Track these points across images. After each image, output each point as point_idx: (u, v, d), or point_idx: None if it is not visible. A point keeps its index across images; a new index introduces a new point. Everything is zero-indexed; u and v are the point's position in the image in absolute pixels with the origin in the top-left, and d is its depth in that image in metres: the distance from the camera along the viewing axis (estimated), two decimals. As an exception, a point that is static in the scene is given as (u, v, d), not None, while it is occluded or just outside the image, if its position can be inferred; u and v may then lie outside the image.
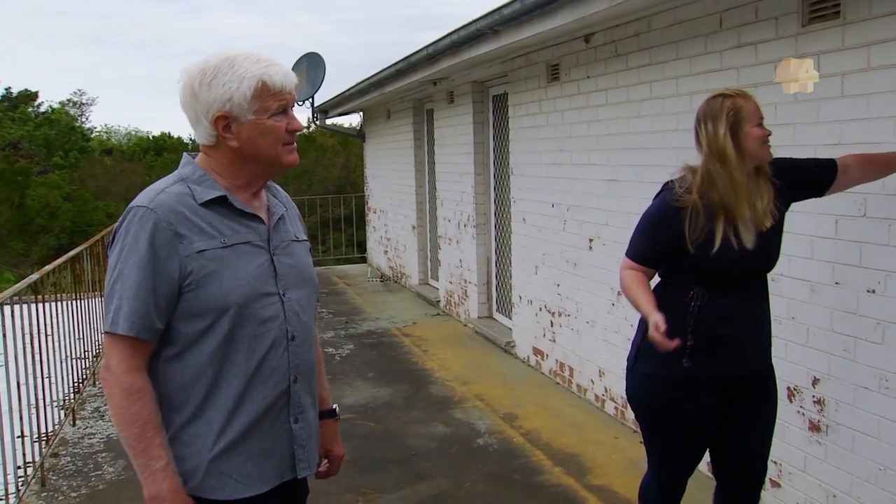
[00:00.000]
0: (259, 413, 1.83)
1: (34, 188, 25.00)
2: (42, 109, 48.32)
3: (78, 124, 47.81)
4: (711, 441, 2.88)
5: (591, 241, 5.44)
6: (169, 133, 44.58)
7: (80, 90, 61.58)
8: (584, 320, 5.63)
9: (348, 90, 10.38)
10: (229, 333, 1.78)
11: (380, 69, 8.87)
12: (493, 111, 7.64)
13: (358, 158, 25.55)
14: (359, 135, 13.47)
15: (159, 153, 37.72)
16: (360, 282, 11.35)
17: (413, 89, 9.14)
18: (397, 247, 11.08)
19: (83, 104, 53.45)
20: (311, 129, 28.90)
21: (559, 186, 5.86)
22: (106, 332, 1.76)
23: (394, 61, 8.27)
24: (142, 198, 1.78)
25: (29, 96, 50.27)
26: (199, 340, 1.77)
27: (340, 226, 16.53)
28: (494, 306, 7.90)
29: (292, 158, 1.87)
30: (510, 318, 7.30)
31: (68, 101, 51.66)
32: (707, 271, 2.69)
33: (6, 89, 49.16)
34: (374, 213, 12.64)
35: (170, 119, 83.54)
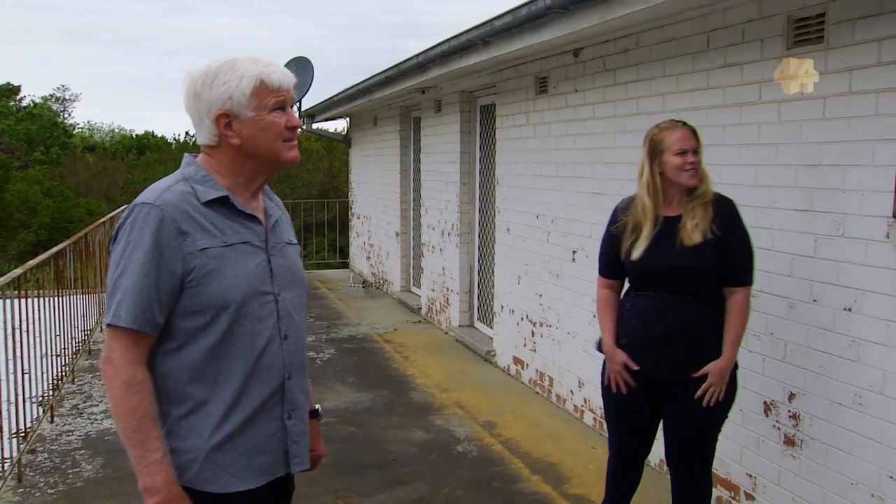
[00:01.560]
0: (256, 408, 1.86)
1: (14, 183, 24.76)
2: (24, 104, 47.95)
3: (60, 120, 47.44)
4: (651, 430, 3.33)
5: (574, 252, 5.50)
6: (152, 132, 44.31)
7: (63, 86, 61.14)
8: (564, 331, 5.69)
9: (336, 95, 10.43)
10: (228, 330, 1.82)
11: (368, 76, 8.92)
12: (480, 121, 7.71)
13: (342, 164, 25.53)
14: (345, 140, 13.51)
15: (142, 152, 37.36)
16: (342, 287, 11.37)
17: (401, 97, 9.19)
18: (380, 253, 11.11)
19: (66, 100, 52.95)
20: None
21: (544, 198, 5.92)
22: (108, 325, 1.78)
23: (383, 68, 8.32)
24: (147, 195, 1.82)
25: (11, 90, 49.74)
26: (198, 336, 1.81)
27: (323, 230, 16.53)
28: (476, 315, 7.95)
29: (293, 154, 1.91)
30: (491, 328, 7.35)
31: (51, 96, 51.25)
32: (630, 277, 3.24)
33: (-18, 81, 48.77)
34: (358, 218, 12.66)
35: (154, 118, 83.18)
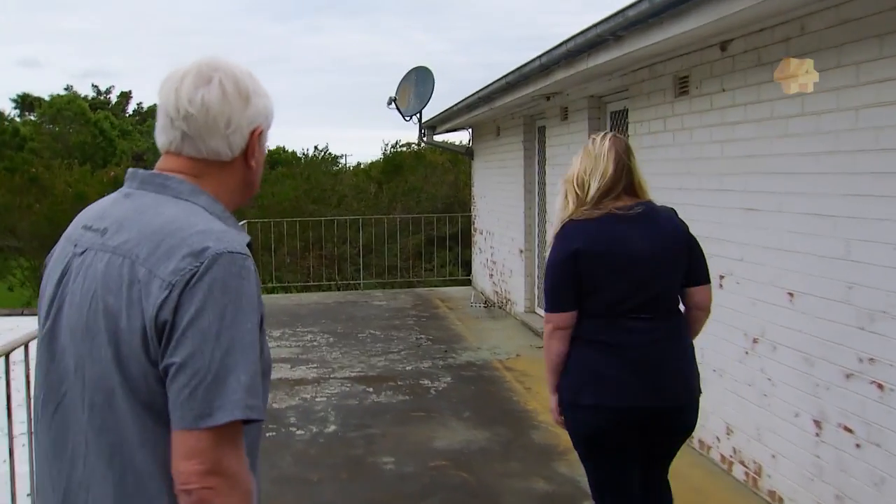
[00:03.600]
0: None
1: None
2: (172, 124, 50.43)
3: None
4: (628, 465, 2.98)
5: (721, 278, 4.73)
6: (284, 147, 45.55)
7: (205, 105, 63.83)
8: (710, 368, 4.91)
9: (456, 105, 9.93)
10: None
11: (489, 82, 8.38)
12: (611, 129, 7.01)
13: (467, 177, 25.10)
14: (467, 152, 13.02)
15: (273, 166, 38.37)
16: (463, 306, 10.84)
17: (524, 104, 8.60)
18: (503, 271, 10.51)
19: (208, 119, 55.56)
20: (420, 146, 28.84)
21: (685, 214, 5.11)
22: (222, 424, 1.34)
23: (504, 73, 7.77)
24: (226, 241, 1.42)
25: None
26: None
27: (449, 243, 16.09)
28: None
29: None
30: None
31: (193, 114, 53.72)
32: None
33: (137, 104, 51.74)
34: (480, 234, 12.12)
35: (287, 134, 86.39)
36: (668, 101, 5.42)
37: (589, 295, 2.85)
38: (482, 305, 10.68)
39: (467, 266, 15.80)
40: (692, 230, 3.09)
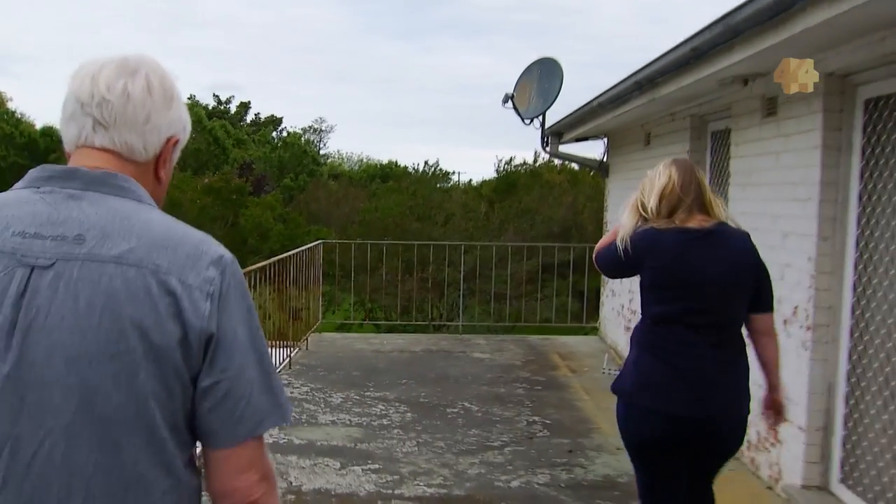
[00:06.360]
0: None
1: (250, 208, 24.20)
2: (284, 135, 50.16)
3: (311, 149, 49.03)
4: (675, 473, 3.04)
5: None
6: (396, 161, 44.26)
7: (320, 118, 63.78)
8: None
9: (596, 99, 7.33)
10: None
11: (643, 64, 5.80)
12: (863, 129, 4.31)
13: (587, 199, 22.47)
14: (600, 167, 10.39)
15: (385, 180, 37.15)
16: (590, 368, 8.18)
17: (695, 96, 5.97)
18: (646, 324, 7.84)
19: (322, 131, 55.15)
20: (537, 162, 26.25)
21: None
22: (259, 434, 1.38)
23: (669, 48, 5.19)
24: (222, 246, 1.41)
25: (274, 122, 52.49)
26: None
27: (565, 271, 13.62)
28: (836, 471, 4.46)
29: None
30: (868, 500, 3.95)
31: (309, 127, 53.42)
32: None
33: (255, 115, 51.66)
34: (614, 271, 9.46)
35: (399, 150, 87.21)
36: None
37: (651, 305, 2.99)
38: (617, 371, 7.99)
39: (580, 297, 13.20)
40: None
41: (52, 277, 1.27)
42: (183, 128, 1.49)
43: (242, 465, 1.34)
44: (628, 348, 3.21)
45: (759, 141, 5.22)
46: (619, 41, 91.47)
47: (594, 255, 3.25)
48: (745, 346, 3.02)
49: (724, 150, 6.20)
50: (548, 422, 6.20)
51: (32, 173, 1.40)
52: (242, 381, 1.32)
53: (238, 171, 30.84)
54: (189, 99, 46.07)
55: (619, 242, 3.01)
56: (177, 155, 1.51)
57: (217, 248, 1.37)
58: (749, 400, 3.03)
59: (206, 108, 47.35)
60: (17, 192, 1.38)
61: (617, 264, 3.08)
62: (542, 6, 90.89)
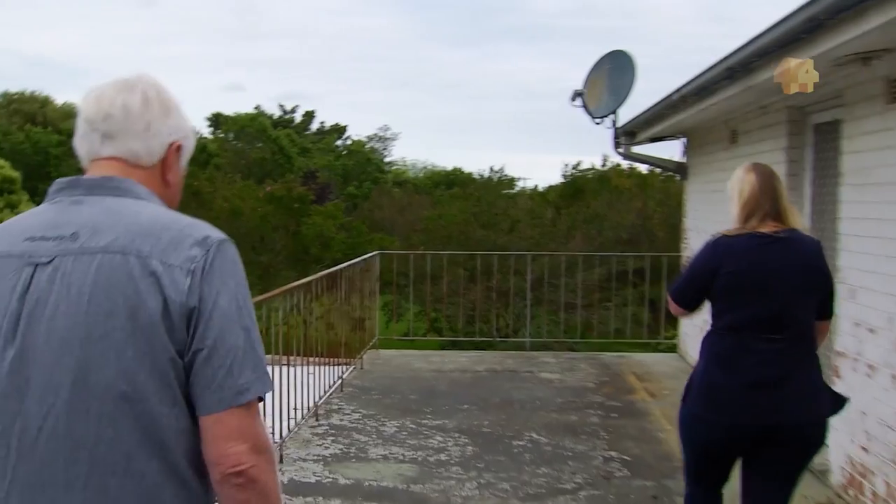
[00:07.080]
0: None
1: (313, 216, 23.86)
2: (348, 143, 50.16)
3: (375, 157, 48.89)
4: (723, 474, 3.15)
5: None
6: (460, 168, 43.66)
7: (385, 126, 63.61)
8: None
9: (676, 91, 6.49)
10: None
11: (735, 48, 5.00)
12: None
13: (657, 204, 21.46)
14: (678, 170, 9.56)
15: (450, 187, 36.60)
16: (671, 390, 7.36)
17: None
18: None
19: (386, 139, 54.96)
20: (606, 165, 25.27)
21: None
22: (248, 402, 1.40)
23: (770, 24, 4.40)
24: (216, 231, 1.49)
25: (338, 130, 52.53)
26: None
27: (636, 280, 12.78)
28: None
29: None
30: None
31: (374, 135, 53.28)
32: None
33: (320, 123, 51.80)
34: (695, 282, 8.63)
35: (463, 156, 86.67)
36: None
37: (721, 312, 3.00)
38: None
39: (652, 306, 12.33)
40: None
41: (50, 272, 1.41)
42: (185, 135, 1.61)
43: (229, 433, 1.38)
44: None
45: (883, 132, 4.39)
46: (682, 41, 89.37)
47: (669, 295, 3.21)
48: (814, 347, 3.03)
49: (831, 146, 5.36)
50: (627, 458, 5.43)
51: (49, 188, 1.54)
52: (223, 349, 1.38)
53: (302, 180, 30.61)
54: (255, 109, 46.40)
55: (701, 262, 3.05)
56: (183, 160, 1.62)
57: (205, 231, 1.45)
58: (827, 401, 3.05)
59: (270, 117, 47.65)
60: (38, 206, 1.54)
61: (690, 283, 3.10)
62: (602, 10, 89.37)
